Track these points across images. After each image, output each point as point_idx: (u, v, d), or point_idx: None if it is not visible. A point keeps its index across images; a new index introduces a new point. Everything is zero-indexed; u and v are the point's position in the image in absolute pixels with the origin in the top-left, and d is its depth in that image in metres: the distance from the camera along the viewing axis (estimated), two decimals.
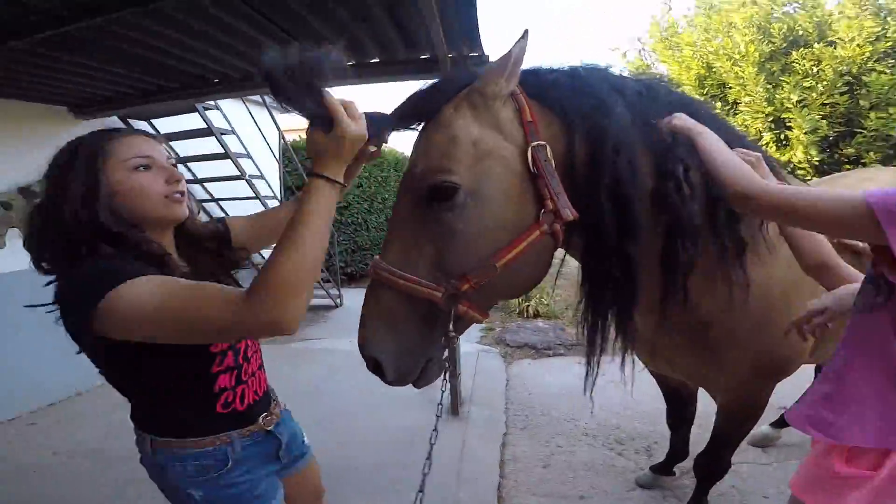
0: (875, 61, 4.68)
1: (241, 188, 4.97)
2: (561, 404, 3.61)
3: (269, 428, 1.20)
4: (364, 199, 8.21)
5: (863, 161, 4.52)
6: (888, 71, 4.59)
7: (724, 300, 1.41)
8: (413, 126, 1.15)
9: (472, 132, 1.08)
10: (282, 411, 1.28)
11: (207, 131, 4.44)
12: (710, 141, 1.08)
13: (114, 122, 4.32)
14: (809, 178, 4.33)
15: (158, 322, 0.87)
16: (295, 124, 8.14)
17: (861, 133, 4.54)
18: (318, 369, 4.28)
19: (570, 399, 3.62)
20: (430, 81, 1.19)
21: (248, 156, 5.02)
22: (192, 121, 4.49)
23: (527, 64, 1.11)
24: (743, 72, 4.96)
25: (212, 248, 1.22)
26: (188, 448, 1.08)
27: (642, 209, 1.16)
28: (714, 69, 5.44)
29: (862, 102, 4.62)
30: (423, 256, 1.08)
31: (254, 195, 4.98)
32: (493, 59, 2.80)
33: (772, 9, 5.18)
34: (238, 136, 4.88)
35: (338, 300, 6.85)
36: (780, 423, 2.89)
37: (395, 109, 1.14)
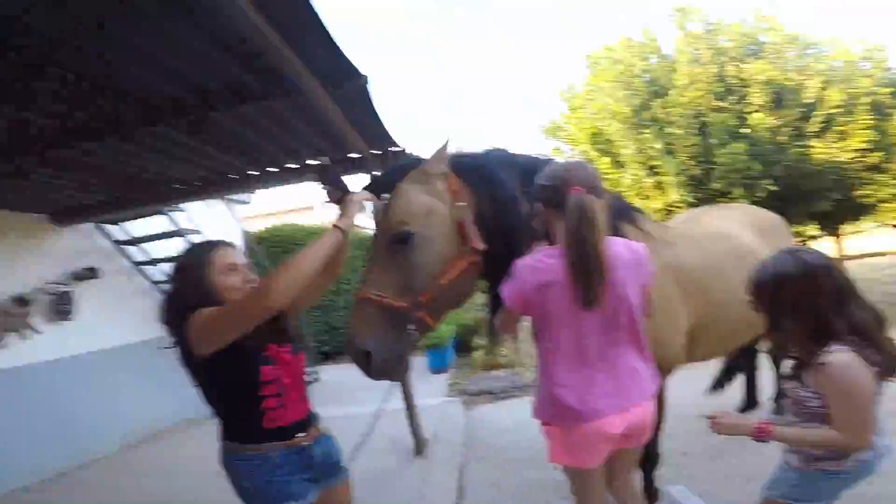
0: (719, 100, 5.28)
1: None
2: (512, 436, 4.03)
3: (304, 444, 1.56)
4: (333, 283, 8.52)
5: (729, 194, 5.08)
6: (729, 108, 5.18)
7: None
8: (381, 195, 1.73)
9: (420, 198, 1.67)
10: (323, 436, 1.66)
11: (176, 232, 4.96)
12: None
13: (90, 228, 4.82)
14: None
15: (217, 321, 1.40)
16: (253, 212, 8.52)
17: (714, 169, 5.14)
18: None
19: (522, 431, 4.02)
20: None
21: None
22: (161, 223, 5.01)
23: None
24: (614, 128, 5.58)
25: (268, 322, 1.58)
26: (243, 452, 1.50)
27: (522, 239, 1.72)
28: (600, 125, 6.02)
29: (712, 141, 5.22)
30: (393, 280, 1.62)
31: None
32: (408, 151, 3.60)
33: (632, 65, 5.82)
34: (204, 236, 5.39)
35: (314, 376, 7.10)
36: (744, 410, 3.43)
37: (368, 185, 1.79)
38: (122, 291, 5.16)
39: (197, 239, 5.19)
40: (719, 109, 5.29)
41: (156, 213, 4.86)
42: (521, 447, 3.75)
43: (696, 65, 5.49)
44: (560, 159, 2.79)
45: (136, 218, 5.05)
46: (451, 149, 1.81)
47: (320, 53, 2.27)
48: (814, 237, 6.53)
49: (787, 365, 1.53)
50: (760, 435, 1.40)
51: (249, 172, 4.02)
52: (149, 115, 2.80)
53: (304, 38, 2.13)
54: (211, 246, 1.60)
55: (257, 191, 7.63)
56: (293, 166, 3.85)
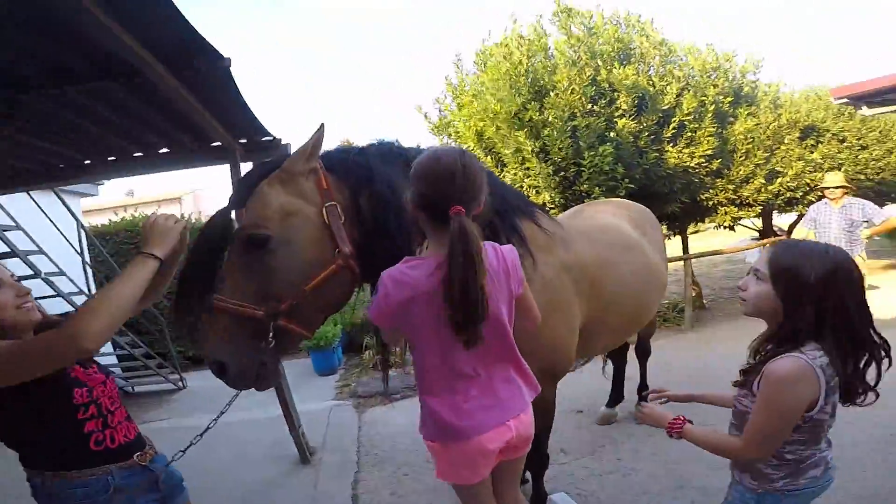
0: (591, 104, 5.46)
1: (40, 287, 4.48)
2: (408, 439, 3.90)
3: (143, 463, 1.45)
4: None
5: (592, 195, 5.37)
6: (600, 112, 5.40)
7: None
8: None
9: (279, 198, 1.51)
10: (159, 455, 1.56)
11: None
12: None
13: None
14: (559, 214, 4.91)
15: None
16: (95, 204, 7.44)
17: (583, 171, 5.37)
18: (164, 443, 4.00)
19: (414, 433, 3.88)
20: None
21: (42, 251, 4.60)
22: None
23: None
24: (493, 128, 5.59)
25: None
26: (78, 478, 1.33)
27: (402, 239, 1.57)
28: (488, 120, 5.92)
29: (581, 144, 5.39)
30: (249, 287, 1.48)
31: (55, 293, 4.52)
32: (284, 140, 3.26)
33: (520, 62, 5.80)
34: (26, 232, 4.47)
35: (180, 384, 6.39)
36: (612, 403, 3.68)
37: (232, 194, 1.61)
38: None
39: (17, 237, 4.28)
40: (590, 112, 5.52)
41: None
42: (418, 451, 3.63)
43: (574, 67, 5.67)
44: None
45: None
46: (329, 142, 1.62)
47: (164, 33, 1.93)
48: (665, 236, 7.28)
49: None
50: (672, 430, 1.42)
51: (84, 162, 3.36)
52: None
53: (143, 17, 1.82)
54: None
55: (99, 182, 6.70)
56: (139, 155, 3.28)
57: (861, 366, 1.26)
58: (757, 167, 6.79)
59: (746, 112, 6.60)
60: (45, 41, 1.97)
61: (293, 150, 1.74)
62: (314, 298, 1.52)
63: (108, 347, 5.61)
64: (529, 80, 5.72)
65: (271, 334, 1.48)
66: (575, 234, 2.22)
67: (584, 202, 4.24)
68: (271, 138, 3.21)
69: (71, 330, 1.15)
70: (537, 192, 5.64)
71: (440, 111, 7.17)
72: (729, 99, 6.38)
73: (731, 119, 6.55)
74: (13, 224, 4.36)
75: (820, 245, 1.29)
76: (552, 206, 5.56)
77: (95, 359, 1.52)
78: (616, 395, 3.73)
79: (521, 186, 5.66)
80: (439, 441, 1.39)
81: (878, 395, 1.28)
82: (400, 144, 1.79)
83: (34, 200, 4.84)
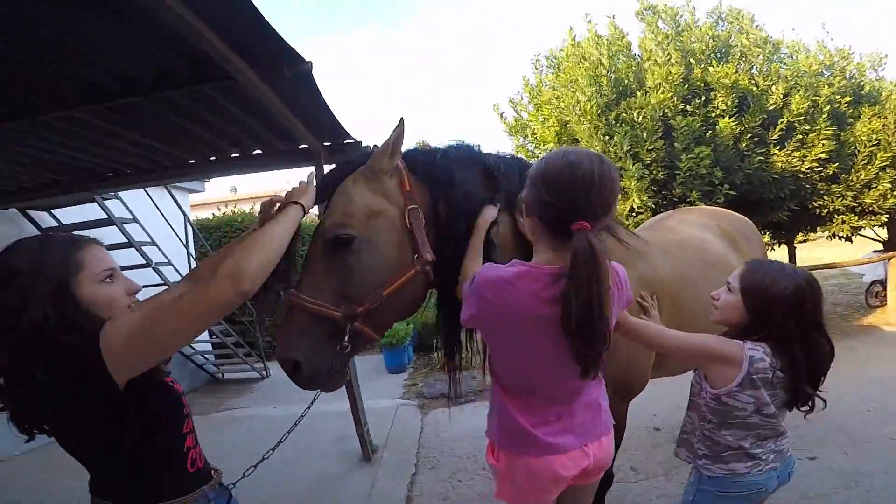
0: (684, 104, 5.16)
1: (148, 276, 5.01)
2: (465, 444, 3.88)
3: (221, 481, 1.30)
4: None
5: (689, 200, 5.04)
6: (695, 112, 5.08)
7: None
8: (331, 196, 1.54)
9: (364, 197, 1.48)
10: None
11: (108, 221, 4.56)
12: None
13: (13, 213, 4.43)
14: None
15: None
16: (202, 200, 8.19)
17: (678, 174, 5.05)
18: (240, 432, 4.39)
19: (473, 439, 3.90)
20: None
21: (154, 243, 5.12)
22: (92, 211, 4.61)
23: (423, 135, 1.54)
24: (582, 127, 5.39)
25: None
26: None
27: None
28: (567, 125, 5.86)
29: (676, 145, 5.08)
30: (328, 287, 1.44)
31: (162, 282, 5.03)
32: (365, 142, 3.37)
33: (600, 62, 5.63)
34: (141, 224, 5.01)
35: (263, 372, 6.84)
36: None
37: (318, 186, 1.54)
38: None
39: (133, 229, 4.81)
40: (683, 112, 5.18)
41: (86, 201, 4.43)
42: (475, 458, 3.62)
43: (665, 66, 5.35)
44: (524, 157, 2.51)
45: (64, 205, 4.64)
46: (409, 141, 1.57)
47: (251, 37, 2.04)
48: (768, 246, 6.57)
49: None
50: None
51: (189, 161, 3.69)
52: (60, 100, 2.53)
53: (231, 21, 1.92)
54: (74, 242, 1.14)
55: (204, 180, 7.37)
56: (236, 155, 3.53)
57: (815, 376, 1.38)
58: (882, 171, 5.95)
59: (871, 112, 5.81)
60: (147, 44, 2.15)
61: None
62: (390, 302, 1.47)
63: (203, 335, 6.09)
64: (612, 79, 5.49)
65: (347, 337, 1.43)
66: (652, 248, 2.07)
67: (676, 207, 3.95)
68: (352, 140, 3.32)
69: (228, 269, 1.04)
70: (625, 195, 5.32)
71: (516, 111, 7.07)
72: (847, 98, 5.69)
73: (851, 120, 5.82)
74: (130, 217, 4.91)
75: (787, 266, 1.47)
76: (641, 210, 5.25)
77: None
78: None
79: None
80: (509, 450, 1.29)
81: (826, 403, 1.43)
82: (479, 149, 1.71)
83: (149, 196, 5.42)
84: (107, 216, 4.54)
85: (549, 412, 1.26)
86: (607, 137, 5.29)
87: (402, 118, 1.48)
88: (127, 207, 4.93)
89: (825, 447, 3.18)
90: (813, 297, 1.39)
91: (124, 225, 4.69)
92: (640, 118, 5.14)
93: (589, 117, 5.37)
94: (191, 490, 1.19)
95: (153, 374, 1.13)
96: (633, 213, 5.33)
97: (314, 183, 1.44)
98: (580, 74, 5.61)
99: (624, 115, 5.24)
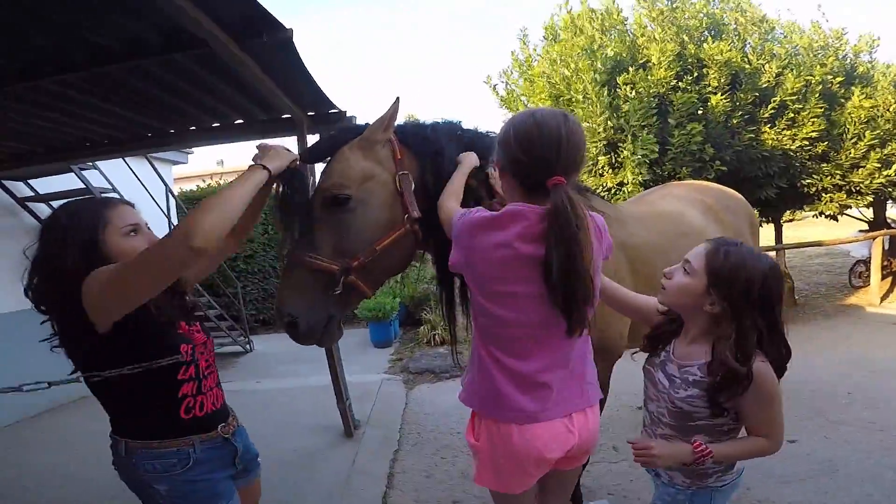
0: (676, 79, 5.14)
1: None
2: (450, 421, 3.92)
3: (226, 436, 1.39)
4: (270, 247, 8.27)
5: (678, 176, 5.01)
6: (687, 88, 5.07)
7: None
8: (323, 159, 1.68)
9: (360, 163, 1.61)
10: (238, 426, 1.48)
11: (86, 191, 4.45)
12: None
13: None
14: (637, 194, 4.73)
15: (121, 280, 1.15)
16: (186, 172, 8.05)
17: (669, 149, 5.03)
18: None
19: (458, 416, 3.91)
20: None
21: None
22: (71, 181, 4.49)
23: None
24: (587, 95, 5.19)
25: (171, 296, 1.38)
26: (156, 449, 1.27)
27: None
28: (560, 98, 5.77)
29: (670, 121, 5.07)
30: (326, 243, 1.55)
31: None
32: (349, 113, 3.29)
33: (593, 37, 5.59)
34: (120, 195, 4.89)
35: (247, 346, 6.83)
36: None
37: (311, 147, 1.73)
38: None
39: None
40: (675, 88, 5.15)
41: (62, 171, 4.31)
42: (459, 434, 3.63)
43: (660, 42, 5.28)
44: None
45: (40, 175, 4.51)
46: (401, 115, 1.70)
47: (224, 2, 1.96)
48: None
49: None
50: (703, 457, 1.24)
51: (168, 131, 3.58)
52: (26, 70, 2.44)
53: None
54: (105, 202, 1.36)
55: (185, 150, 7.20)
56: (216, 125, 3.43)
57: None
58: (871, 150, 5.97)
59: (862, 93, 5.80)
60: (120, 13, 2.07)
61: (358, 122, 1.86)
62: (382, 258, 1.60)
63: None
64: (605, 55, 5.40)
65: (340, 285, 1.53)
66: (628, 217, 2.20)
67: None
68: (337, 110, 3.24)
69: (181, 229, 1.09)
70: (617, 169, 5.33)
71: (506, 84, 6.98)
72: (839, 79, 5.69)
73: (842, 101, 5.82)
74: (109, 187, 4.79)
75: (751, 248, 1.30)
76: (632, 185, 5.22)
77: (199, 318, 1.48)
78: None
79: (596, 163, 5.37)
80: (488, 417, 1.25)
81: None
82: (462, 125, 1.85)
83: (128, 165, 5.28)
84: (84, 185, 4.42)
85: (533, 375, 1.22)
86: (602, 113, 5.23)
87: (397, 97, 1.65)
88: (106, 178, 4.81)
89: (805, 431, 3.23)
90: (781, 282, 1.28)
91: (102, 195, 4.56)
92: (634, 94, 5.10)
93: (586, 90, 5.28)
94: (179, 435, 1.29)
95: (157, 318, 1.26)
96: (621, 187, 5.30)
97: (288, 151, 1.47)
98: (576, 49, 5.52)
99: (620, 90, 5.20)
